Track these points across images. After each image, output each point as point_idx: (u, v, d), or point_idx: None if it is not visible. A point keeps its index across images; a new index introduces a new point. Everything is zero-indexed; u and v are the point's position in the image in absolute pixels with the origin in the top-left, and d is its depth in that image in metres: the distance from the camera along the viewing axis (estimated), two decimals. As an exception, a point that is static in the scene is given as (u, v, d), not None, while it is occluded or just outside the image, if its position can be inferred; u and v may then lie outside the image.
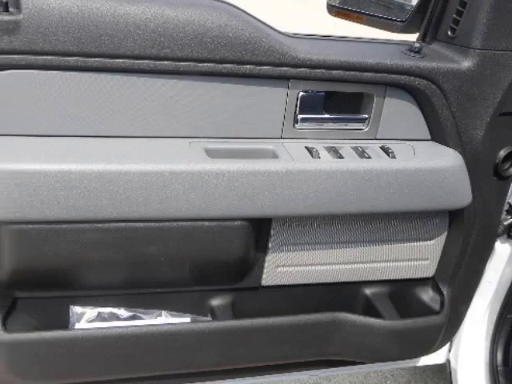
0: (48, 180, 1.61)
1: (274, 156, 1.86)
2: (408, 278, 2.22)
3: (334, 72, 1.83)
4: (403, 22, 2.06)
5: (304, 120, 1.91)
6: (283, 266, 2.02)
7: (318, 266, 2.06)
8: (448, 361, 2.56)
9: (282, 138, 1.93)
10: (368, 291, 2.25)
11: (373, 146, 1.98)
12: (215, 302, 2.08)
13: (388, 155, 1.93)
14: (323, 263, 2.06)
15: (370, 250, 2.09)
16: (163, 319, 2.00)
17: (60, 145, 1.70)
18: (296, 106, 1.88)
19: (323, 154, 1.90)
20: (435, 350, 2.41)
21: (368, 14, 2.21)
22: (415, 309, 2.26)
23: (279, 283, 2.06)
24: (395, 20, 2.09)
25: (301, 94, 1.87)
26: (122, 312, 1.98)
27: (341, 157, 1.89)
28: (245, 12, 1.76)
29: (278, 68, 1.78)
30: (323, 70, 1.81)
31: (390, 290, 2.27)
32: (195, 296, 2.06)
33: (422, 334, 2.20)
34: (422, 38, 2.06)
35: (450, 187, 1.95)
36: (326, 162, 1.85)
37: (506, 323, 2.47)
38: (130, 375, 1.97)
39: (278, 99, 1.86)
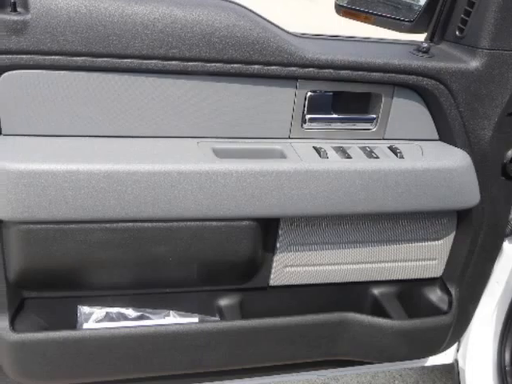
0: (56, 180, 1.61)
1: (282, 156, 1.86)
2: (416, 277, 2.22)
3: (342, 72, 1.83)
4: (411, 21, 2.06)
5: (312, 120, 1.91)
6: (291, 266, 2.02)
7: (326, 266, 2.06)
8: (456, 361, 2.56)
9: (289, 137, 1.93)
10: (376, 291, 2.25)
11: (381, 146, 1.97)
12: (223, 302, 2.08)
13: (396, 155, 1.93)
14: (331, 263, 2.06)
15: (378, 250, 2.09)
16: (171, 319, 2.01)
17: (68, 145, 1.70)
18: (304, 105, 1.88)
19: (331, 154, 1.90)
20: (443, 350, 2.41)
21: (376, 14, 2.20)
22: (423, 309, 2.26)
23: (287, 283, 2.06)
24: (403, 20, 2.09)
25: (309, 93, 1.87)
26: (130, 312, 1.98)
27: (349, 157, 1.89)
28: (253, 12, 1.76)
29: (286, 68, 1.78)
30: (331, 70, 1.81)
31: (398, 290, 2.27)
32: (203, 296, 2.06)
33: (430, 333, 2.20)
34: (430, 38, 2.06)
35: (458, 187, 1.95)
36: (334, 162, 1.85)
37: (514, 323, 2.47)
38: (137, 375, 1.97)
39: (286, 99, 1.86)
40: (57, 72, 1.65)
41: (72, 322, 1.95)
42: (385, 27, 2.16)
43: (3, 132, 1.69)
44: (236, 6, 1.74)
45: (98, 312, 1.96)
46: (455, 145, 1.99)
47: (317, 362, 2.21)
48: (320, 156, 1.86)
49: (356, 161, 1.87)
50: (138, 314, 1.99)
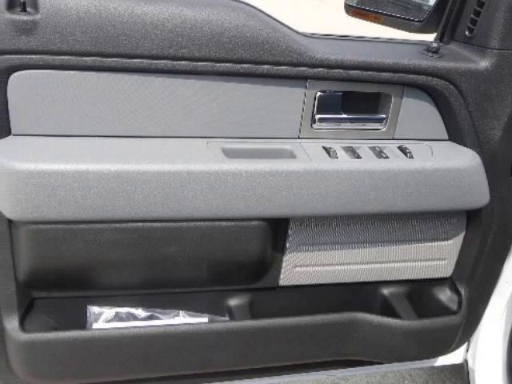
0: (66, 180, 1.62)
1: (292, 156, 1.86)
2: (426, 277, 2.21)
3: (352, 72, 1.82)
4: (421, 21, 2.06)
5: (322, 120, 1.91)
6: (301, 266, 2.02)
7: (336, 266, 2.06)
8: (466, 361, 2.55)
9: (299, 137, 1.92)
10: (386, 291, 2.24)
11: (390, 146, 1.97)
12: (233, 302, 2.08)
13: (406, 155, 1.93)
14: (341, 263, 2.05)
15: (388, 250, 2.09)
16: (181, 319, 2.01)
17: (77, 145, 1.70)
18: (314, 105, 1.88)
19: (341, 154, 1.89)
20: (453, 350, 2.40)
21: (385, 14, 2.20)
22: (433, 309, 2.26)
23: (297, 283, 2.06)
24: (413, 20, 2.09)
25: (318, 93, 1.87)
26: (140, 312, 1.98)
27: (358, 157, 1.89)
28: (262, 12, 1.76)
29: (296, 68, 1.78)
30: (341, 70, 1.81)
31: (408, 290, 2.26)
32: (213, 296, 2.06)
33: (440, 334, 2.19)
34: (440, 38, 2.06)
35: (467, 187, 1.95)
36: (344, 162, 1.85)
37: (524, 324, 2.47)
38: (147, 375, 1.97)
39: (296, 99, 1.86)
40: (66, 72, 1.65)
41: (81, 322, 1.95)
42: (394, 27, 2.16)
43: (13, 132, 1.69)
44: (246, 6, 1.74)
45: (108, 312, 1.96)
46: (465, 145, 1.99)
47: (326, 362, 2.21)
48: (330, 156, 1.86)
49: (366, 161, 1.87)
50: (148, 314, 1.99)
